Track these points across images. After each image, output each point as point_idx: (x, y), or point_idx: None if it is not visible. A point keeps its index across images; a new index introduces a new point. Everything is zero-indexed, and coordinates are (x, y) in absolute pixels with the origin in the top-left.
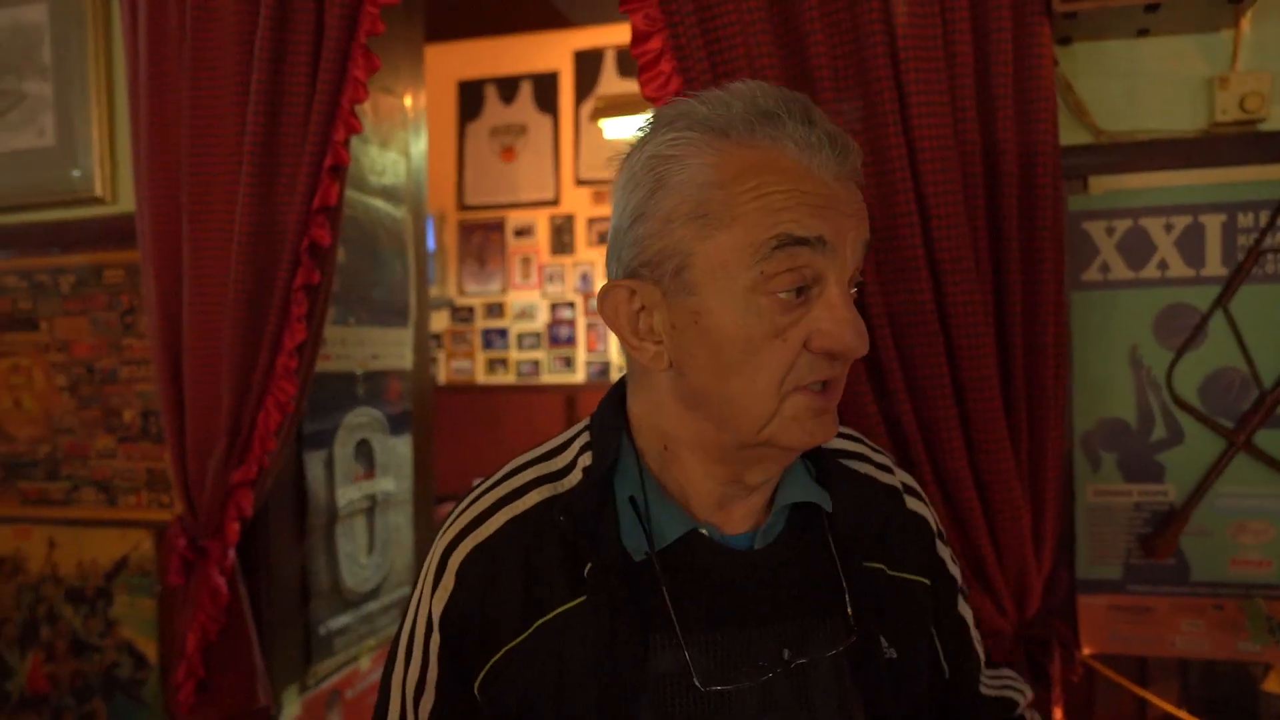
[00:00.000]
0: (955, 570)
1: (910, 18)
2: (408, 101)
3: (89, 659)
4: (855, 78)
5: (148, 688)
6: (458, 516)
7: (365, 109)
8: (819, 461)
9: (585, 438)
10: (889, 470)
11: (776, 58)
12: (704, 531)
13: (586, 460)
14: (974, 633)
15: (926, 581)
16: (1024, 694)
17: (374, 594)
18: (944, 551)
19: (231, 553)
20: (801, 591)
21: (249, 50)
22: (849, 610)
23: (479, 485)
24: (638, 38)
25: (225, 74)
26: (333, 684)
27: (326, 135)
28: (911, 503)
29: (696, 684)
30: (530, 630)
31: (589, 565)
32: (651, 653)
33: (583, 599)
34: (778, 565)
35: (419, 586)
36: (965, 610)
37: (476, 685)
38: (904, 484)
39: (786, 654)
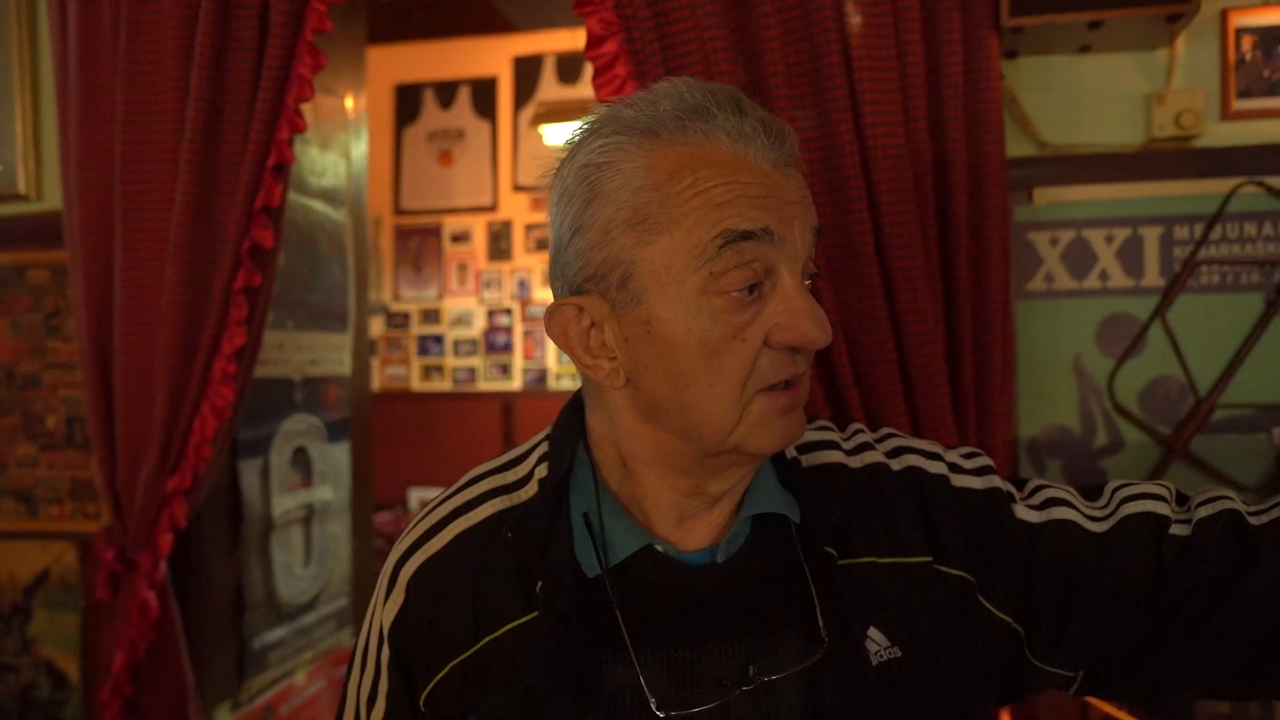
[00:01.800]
0: (987, 483)
1: (864, 28)
2: (349, 103)
3: (3, 680)
4: (810, 85)
5: (69, 709)
6: (412, 528)
7: (306, 109)
8: (781, 466)
9: (544, 448)
10: (867, 448)
11: (733, 64)
12: (659, 548)
13: (543, 472)
14: (1071, 512)
15: (928, 559)
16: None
17: (310, 606)
18: (963, 480)
19: (163, 565)
20: (771, 603)
21: (189, 46)
22: (819, 620)
23: (437, 495)
24: (592, 41)
25: (163, 70)
26: (267, 700)
27: (270, 134)
28: (900, 462)
29: (653, 709)
30: (479, 645)
31: (539, 582)
32: (605, 671)
33: (534, 615)
34: (744, 578)
35: (374, 595)
36: (1030, 512)
37: (422, 699)
38: (889, 450)
39: (752, 670)
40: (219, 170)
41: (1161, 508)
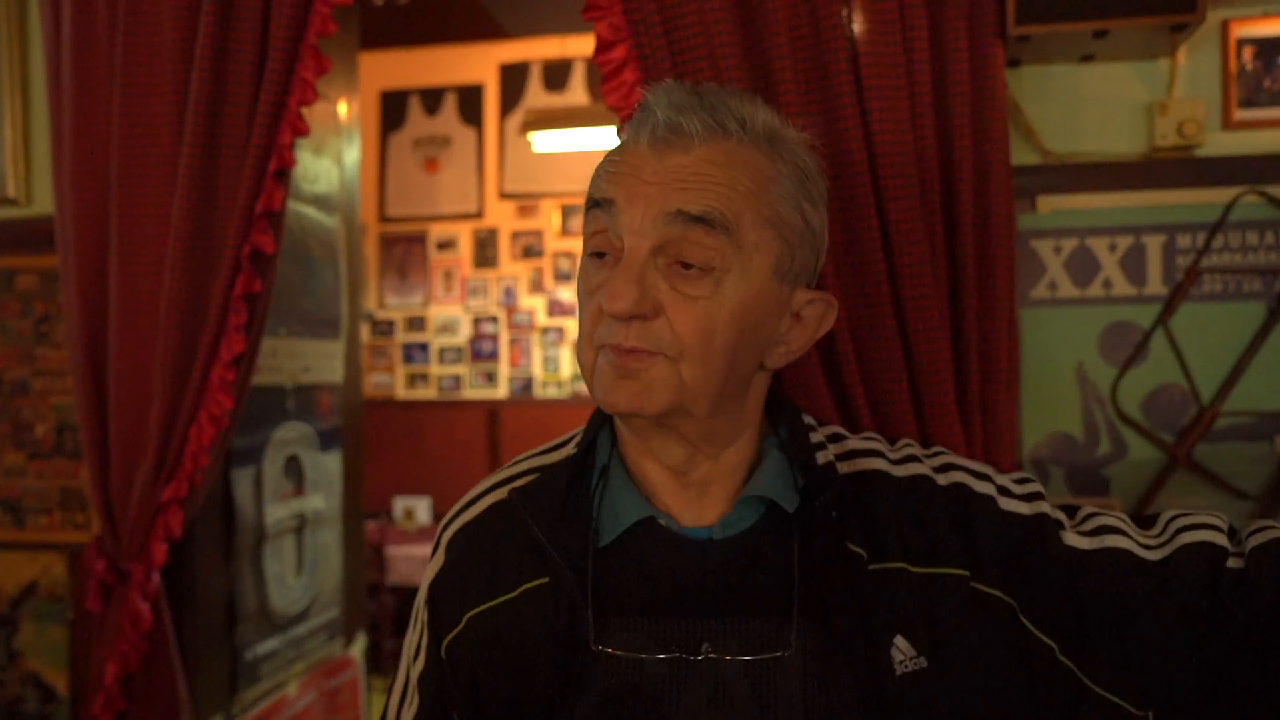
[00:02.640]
0: (1035, 509)
1: (872, 35)
2: (341, 108)
3: None
4: (818, 93)
5: None
6: (461, 500)
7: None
8: (808, 465)
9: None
10: (914, 460)
11: (741, 70)
12: (660, 521)
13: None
14: (1124, 540)
15: (964, 573)
16: (1218, 525)
17: (303, 616)
18: (1011, 505)
19: (156, 576)
20: (753, 589)
21: (188, 48)
22: (794, 615)
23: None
24: (601, 46)
25: (161, 73)
26: (259, 712)
27: (272, 138)
28: (947, 478)
29: (590, 644)
30: (495, 602)
31: (550, 549)
32: (603, 635)
33: (545, 580)
34: (734, 560)
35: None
36: (1080, 539)
37: (444, 649)
38: (938, 465)
39: (705, 646)
40: (219, 174)
41: (1220, 539)
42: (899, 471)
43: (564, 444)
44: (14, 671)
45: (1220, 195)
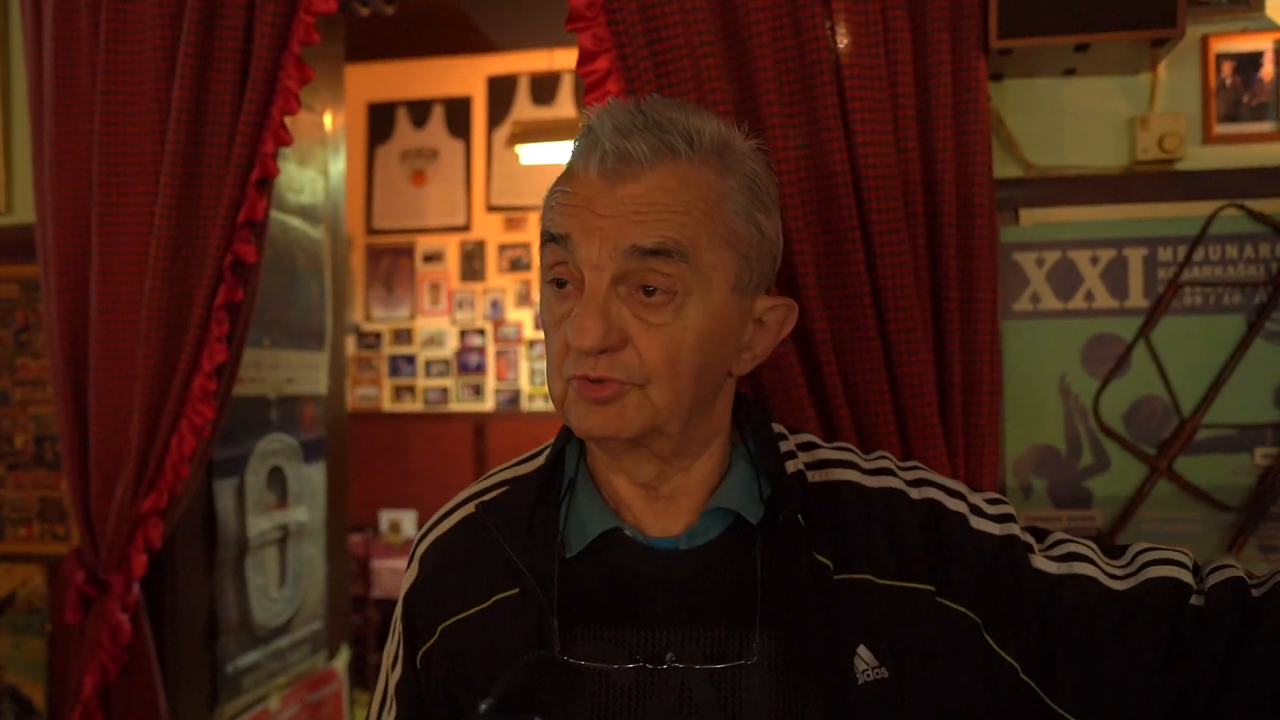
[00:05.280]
0: (1005, 530)
1: (855, 47)
2: (327, 119)
3: None
4: (802, 105)
5: None
6: (437, 513)
7: (286, 124)
8: (777, 475)
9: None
10: (887, 473)
11: (724, 81)
12: (627, 532)
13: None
14: (1091, 568)
15: (930, 588)
16: (1183, 563)
17: (285, 629)
18: (982, 525)
19: (136, 587)
20: (723, 599)
21: (171, 57)
22: (757, 624)
23: None
24: (584, 57)
25: (143, 81)
26: None
27: (254, 147)
28: (920, 493)
29: (557, 655)
30: (467, 613)
31: (517, 560)
32: (570, 646)
33: (516, 591)
34: (700, 570)
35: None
36: (1048, 563)
37: (419, 659)
38: (912, 480)
39: (669, 656)
40: (201, 183)
41: (1185, 575)
42: (871, 482)
43: (536, 456)
44: None
45: (1201, 209)
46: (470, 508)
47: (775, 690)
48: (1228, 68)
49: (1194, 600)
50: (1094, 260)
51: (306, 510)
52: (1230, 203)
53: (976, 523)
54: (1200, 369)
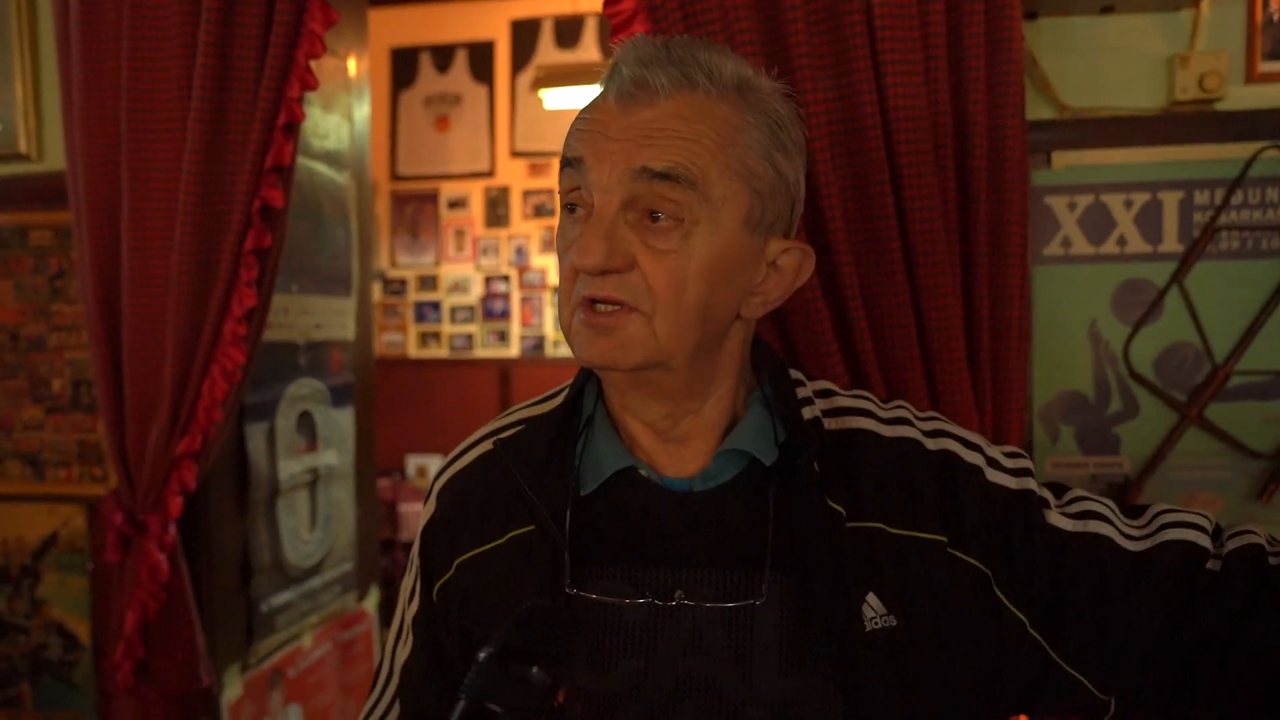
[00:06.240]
0: (1022, 484)
1: None
2: (351, 64)
3: (14, 641)
4: (831, 47)
5: (79, 669)
6: (454, 451)
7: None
8: (794, 421)
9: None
10: (905, 422)
11: (752, 21)
12: (642, 471)
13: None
14: (1107, 527)
15: (943, 539)
16: (1203, 525)
17: (316, 570)
18: (997, 477)
19: (172, 528)
20: (734, 540)
21: (196, 3)
22: (767, 567)
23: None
24: None
25: (169, 26)
26: (275, 663)
27: (280, 91)
28: (937, 443)
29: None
30: (482, 549)
31: (533, 496)
32: (581, 581)
33: (531, 528)
34: (712, 511)
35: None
36: (1064, 520)
37: (435, 591)
38: (929, 430)
39: (679, 594)
40: (228, 128)
41: (1202, 539)
42: (888, 432)
43: (555, 395)
44: (38, 620)
45: (1241, 151)
46: (488, 444)
47: (784, 633)
48: (1276, 2)
49: (1210, 565)
50: (1128, 204)
51: (336, 454)
52: (1273, 144)
53: (993, 475)
54: (1235, 315)
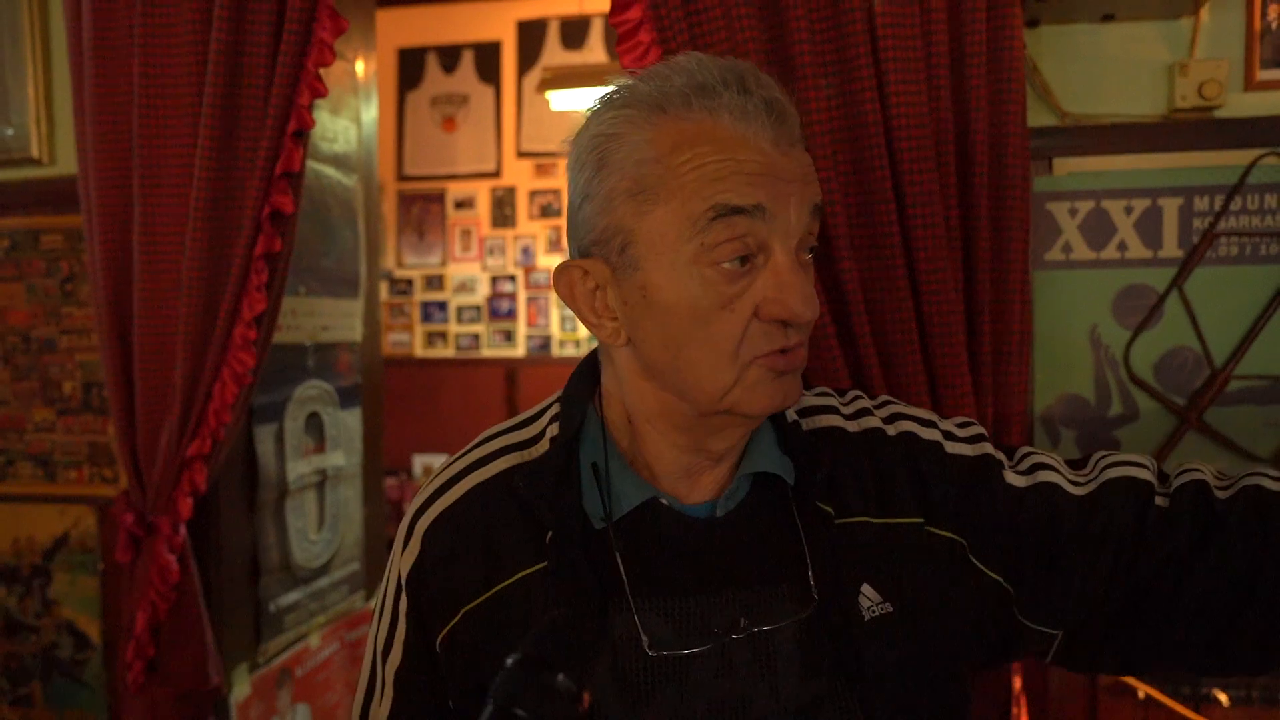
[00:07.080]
0: (979, 450)
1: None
2: (359, 67)
3: (25, 640)
4: (834, 54)
5: (90, 668)
6: (429, 483)
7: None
8: (780, 427)
9: (556, 409)
10: (865, 414)
11: (757, 30)
12: (664, 501)
13: (555, 430)
14: (1055, 475)
15: (919, 520)
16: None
17: (324, 570)
18: (956, 448)
19: (182, 529)
20: (764, 558)
21: (207, 10)
22: (810, 578)
23: (452, 456)
24: (617, 6)
25: (180, 34)
26: (283, 662)
27: (290, 99)
28: (895, 428)
29: (646, 649)
30: (491, 592)
31: (549, 532)
32: (610, 618)
33: (544, 565)
34: (739, 532)
35: (393, 550)
36: (1017, 477)
37: (438, 643)
38: (886, 416)
39: (743, 621)
40: (238, 135)
41: (1143, 474)
42: (853, 427)
43: (531, 420)
44: (49, 619)
45: (1239, 158)
46: (477, 476)
47: (800, 640)
48: (1274, 11)
49: (1159, 501)
50: (1128, 210)
51: (343, 455)
52: (1271, 151)
53: (951, 447)
54: (1233, 320)
